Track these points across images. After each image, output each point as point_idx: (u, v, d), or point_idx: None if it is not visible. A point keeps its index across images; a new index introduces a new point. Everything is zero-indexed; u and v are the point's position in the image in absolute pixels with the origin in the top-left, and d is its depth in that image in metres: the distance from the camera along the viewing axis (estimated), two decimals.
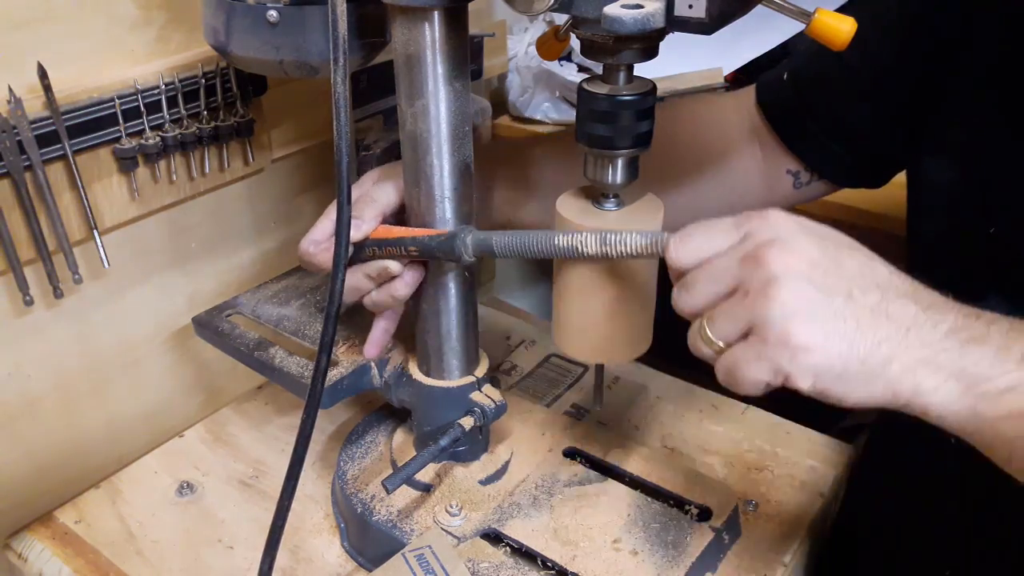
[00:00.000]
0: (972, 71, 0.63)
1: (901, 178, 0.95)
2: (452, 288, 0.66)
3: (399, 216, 0.66)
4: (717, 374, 0.48)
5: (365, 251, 0.65)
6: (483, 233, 0.60)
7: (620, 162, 0.55)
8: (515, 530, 0.67)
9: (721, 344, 0.47)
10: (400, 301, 0.66)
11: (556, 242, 0.55)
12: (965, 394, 0.44)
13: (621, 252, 0.53)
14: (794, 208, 0.92)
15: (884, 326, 0.44)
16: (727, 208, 0.71)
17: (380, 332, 0.71)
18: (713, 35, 0.47)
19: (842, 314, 0.44)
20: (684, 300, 0.49)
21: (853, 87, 0.71)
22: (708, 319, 0.47)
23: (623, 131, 0.53)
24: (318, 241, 0.68)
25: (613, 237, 0.53)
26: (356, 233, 0.63)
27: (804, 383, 0.45)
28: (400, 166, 0.63)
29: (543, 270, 1.42)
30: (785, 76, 0.75)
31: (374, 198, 0.65)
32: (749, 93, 0.78)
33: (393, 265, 0.64)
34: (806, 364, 0.44)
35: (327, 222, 0.69)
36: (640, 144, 0.54)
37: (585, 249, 0.54)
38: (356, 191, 0.67)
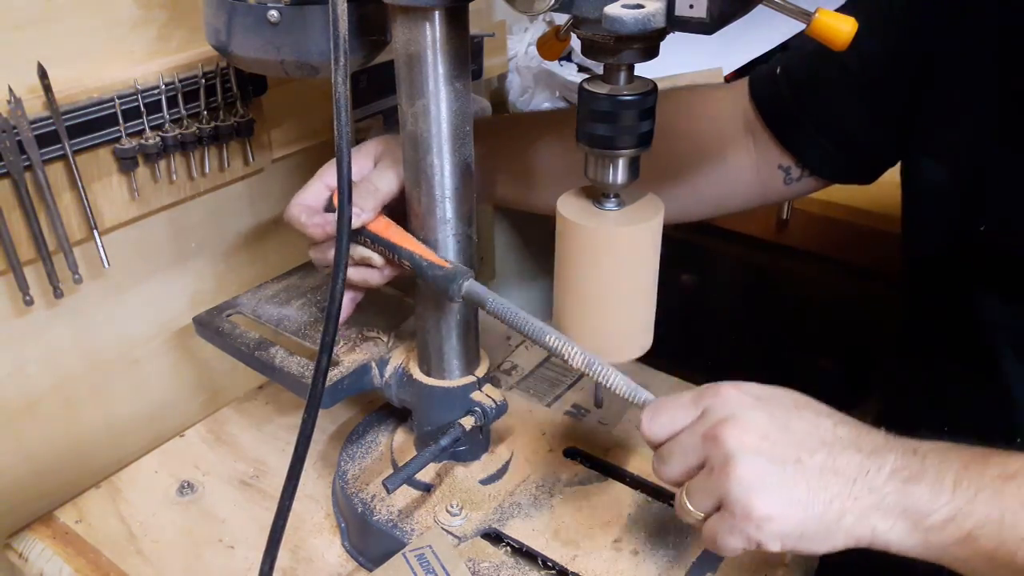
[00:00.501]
0: (963, 70, 0.64)
1: (897, 177, 0.95)
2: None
3: (399, 202, 0.65)
4: (704, 541, 0.53)
5: (358, 237, 0.64)
6: (479, 288, 0.60)
7: (621, 162, 0.55)
8: (515, 530, 0.67)
9: (700, 515, 0.52)
10: (370, 287, 0.67)
11: (547, 340, 0.57)
12: (914, 530, 0.48)
13: (603, 383, 0.56)
14: (791, 205, 0.93)
15: (833, 483, 0.49)
16: (719, 201, 0.73)
17: (347, 301, 0.70)
18: (713, 35, 0.47)
19: (793, 480, 0.49)
20: (662, 472, 0.54)
21: (845, 85, 0.72)
22: (687, 492, 0.53)
23: (624, 131, 0.53)
24: (310, 208, 0.67)
25: (600, 368, 0.56)
26: (354, 222, 0.63)
27: (774, 547, 0.50)
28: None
29: (544, 270, 1.42)
30: (778, 71, 0.76)
31: (376, 186, 0.65)
32: (743, 87, 0.79)
33: (376, 259, 0.65)
34: (770, 532, 0.49)
35: (320, 186, 0.68)
36: (641, 144, 0.54)
37: (572, 361, 0.56)
38: (356, 167, 0.66)
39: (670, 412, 0.54)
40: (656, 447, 0.55)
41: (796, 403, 0.52)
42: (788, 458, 0.49)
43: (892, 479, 0.48)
